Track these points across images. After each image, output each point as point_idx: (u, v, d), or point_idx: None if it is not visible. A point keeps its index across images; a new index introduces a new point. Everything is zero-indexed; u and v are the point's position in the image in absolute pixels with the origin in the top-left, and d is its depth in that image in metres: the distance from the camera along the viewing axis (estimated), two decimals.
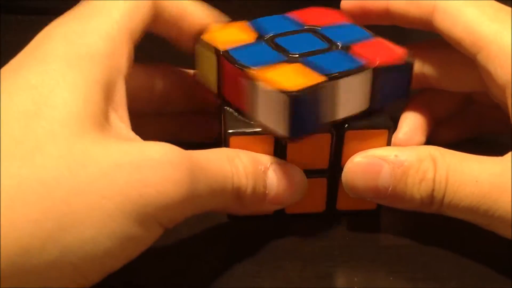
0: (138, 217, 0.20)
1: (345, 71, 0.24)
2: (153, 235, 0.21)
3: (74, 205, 0.19)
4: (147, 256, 0.22)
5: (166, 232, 0.22)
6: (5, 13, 0.48)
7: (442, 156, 0.24)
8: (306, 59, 0.25)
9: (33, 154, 0.19)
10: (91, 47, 0.22)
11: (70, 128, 0.20)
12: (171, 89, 0.29)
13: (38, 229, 0.19)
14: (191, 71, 0.30)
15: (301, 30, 0.28)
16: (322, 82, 0.24)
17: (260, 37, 0.27)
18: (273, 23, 0.28)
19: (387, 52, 0.26)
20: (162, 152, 0.21)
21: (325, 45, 0.26)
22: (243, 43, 0.26)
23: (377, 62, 0.25)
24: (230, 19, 0.28)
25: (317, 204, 0.28)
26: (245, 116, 0.25)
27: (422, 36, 0.29)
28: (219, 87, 0.26)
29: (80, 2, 0.25)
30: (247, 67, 0.24)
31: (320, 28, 0.28)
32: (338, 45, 0.26)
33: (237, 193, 0.24)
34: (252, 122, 0.25)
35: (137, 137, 0.22)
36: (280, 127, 0.24)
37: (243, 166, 0.24)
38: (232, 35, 0.27)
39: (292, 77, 0.24)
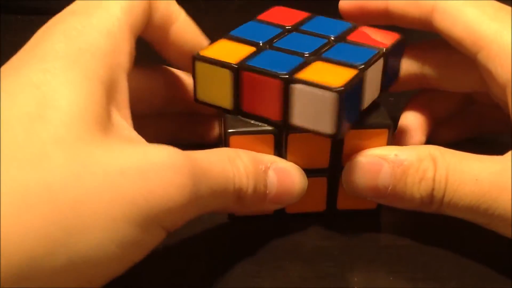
0: (142, 222, 0.20)
1: (368, 60, 0.25)
2: (157, 239, 0.21)
3: (80, 212, 0.19)
4: (147, 256, 0.22)
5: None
6: (5, 13, 0.48)
7: (442, 155, 0.24)
8: (321, 56, 0.25)
9: (39, 160, 0.19)
10: (92, 44, 0.22)
11: (75, 131, 0.20)
12: (171, 91, 0.29)
13: (45, 237, 0.18)
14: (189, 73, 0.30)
15: (285, 31, 0.27)
16: (356, 75, 0.24)
17: (259, 46, 0.26)
18: (254, 30, 0.27)
19: (381, 35, 0.27)
20: (165, 156, 0.21)
21: (324, 41, 0.27)
22: (248, 55, 0.25)
23: (385, 45, 0.26)
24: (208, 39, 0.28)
25: (318, 204, 0.28)
26: (272, 124, 0.25)
27: (422, 36, 0.29)
28: (236, 102, 0.26)
29: None
30: (278, 73, 0.24)
31: (300, 27, 0.28)
32: (334, 38, 0.27)
33: (238, 194, 0.24)
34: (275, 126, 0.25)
35: (139, 136, 0.22)
36: (324, 126, 0.24)
37: (244, 166, 0.24)
38: (229, 49, 0.26)
39: (325, 75, 0.24)
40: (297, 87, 0.24)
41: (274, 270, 0.26)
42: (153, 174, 0.20)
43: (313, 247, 0.27)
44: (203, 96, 0.26)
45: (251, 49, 0.26)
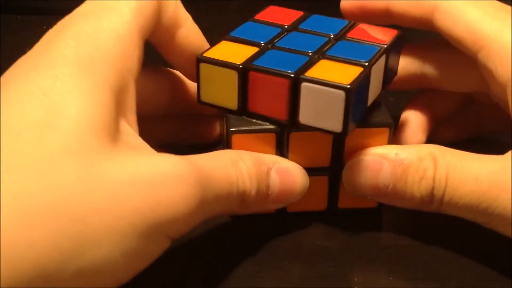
0: (149, 232, 0.20)
1: (372, 57, 0.25)
2: (161, 247, 0.22)
3: (89, 224, 0.19)
4: None
5: None
6: (5, 13, 0.48)
7: (442, 154, 0.24)
8: (326, 55, 0.25)
9: (49, 171, 0.19)
10: (102, 49, 0.22)
11: (84, 141, 0.20)
12: (175, 93, 0.29)
13: (55, 250, 0.18)
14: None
15: (285, 30, 0.28)
16: (362, 72, 0.24)
17: (261, 46, 0.26)
18: (253, 31, 0.27)
19: (380, 31, 0.27)
20: (172, 166, 0.21)
21: (324, 39, 0.27)
22: (252, 55, 0.25)
23: (385, 41, 0.26)
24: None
25: (319, 202, 0.28)
26: (278, 123, 0.25)
27: (423, 36, 0.29)
28: (241, 102, 0.25)
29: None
30: (286, 72, 0.24)
31: (299, 26, 0.28)
32: (334, 36, 0.27)
33: (242, 197, 0.24)
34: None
35: (144, 143, 0.22)
36: (332, 124, 0.24)
37: (246, 169, 0.24)
38: (232, 50, 0.26)
39: (332, 73, 0.24)
40: (306, 85, 0.24)
41: (274, 270, 0.26)
42: (161, 185, 0.20)
43: (313, 247, 0.27)
44: (207, 97, 0.26)
45: (254, 49, 0.26)
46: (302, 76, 0.24)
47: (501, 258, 0.26)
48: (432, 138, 0.30)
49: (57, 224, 0.18)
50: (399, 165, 0.25)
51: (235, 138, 0.25)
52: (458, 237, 0.27)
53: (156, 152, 0.22)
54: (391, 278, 0.25)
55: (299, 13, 0.29)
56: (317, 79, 0.23)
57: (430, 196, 0.24)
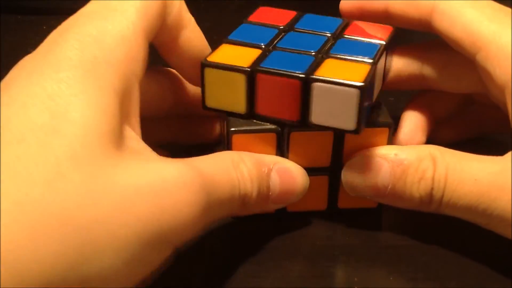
0: (153, 241, 0.20)
1: (375, 54, 0.25)
2: (164, 255, 0.22)
3: (94, 234, 0.19)
4: None
5: None
6: (5, 13, 0.48)
7: (442, 155, 0.24)
8: (330, 54, 0.25)
9: (54, 179, 0.18)
10: (107, 52, 0.21)
11: (89, 147, 0.19)
12: (177, 94, 0.29)
13: (60, 261, 0.18)
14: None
15: (281, 31, 0.27)
16: (371, 70, 0.24)
17: (263, 48, 0.26)
18: (250, 33, 0.27)
19: (375, 28, 0.27)
20: (177, 173, 0.21)
21: (323, 38, 0.27)
22: (256, 57, 0.25)
23: (383, 38, 0.27)
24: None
25: (319, 202, 0.28)
26: (288, 124, 0.25)
27: (422, 36, 0.30)
28: (249, 105, 0.25)
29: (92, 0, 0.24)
30: (296, 73, 0.24)
31: (295, 26, 0.28)
32: (332, 35, 0.27)
33: (243, 199, 0.24)
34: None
35: (147, 148, 0.22)
36: (346, 122, 0.24)
37: (247, 171, 0.24)
38: (235, 53, 0.26)
39: (341, 72, 0.24)
40: (318, 85, 0.24)
41: (274, 270, 0.26)
42: (165, 192, 0.20)
43: (313, 247, 0.27)
44: (212, 102, 0.26)
45: (257, 51, 0.26)
46: (313, 76, 0.24)
47: (501, 258, 0.26)
48: (432, 138, 0.31)
49: (62, 233, 0.18)
50: (398, 165, 0.25)
51: (235, 138, 0.25)
52: (458, 237, 0.27)
53: (159, 156, 0.22)
54: (391, 278, 0.25)
55: (292, 13, 0.29)
56: (329, 79, 0.24)
57: (429, 197, 0.24)
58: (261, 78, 0.24)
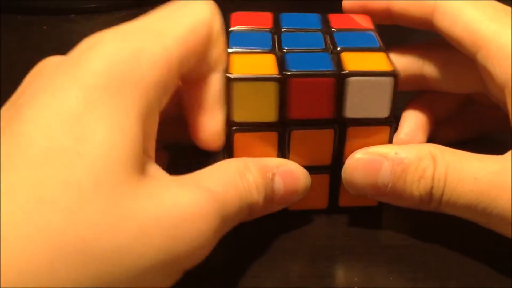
0: (168, 269, 0.20)
1: (379, 42, 0.26)
2: (176, 279, 0.22)
3: (113, 264, 0.19)
4: None
5: None
6: (5, 13, 0.48)
7: (442, 154, 0.24)
8: (342, 48, 0.26)
9: (77, 206, 0.18)
10: (137, 74, 0.21)
11: (112, 174, 0.19)
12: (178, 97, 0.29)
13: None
14: None
15: (273, 33, 0.27)
16: (388, 56, 0.25)
17: (274, 53, 0.26)
18: (246, 40, 0.27)
19: (357, 18, 0.28)
20: (193, 202, 0.21)
21: (318, 34, 0.27)
22: (275, 63, 0.25)
23: (370, 26, 0.28)
24: None
25: (320, 201, 0.28)
26: (322, 123, 0.25)
27: (422, 36, 0.30)
28: (281, 112, 0.25)
29: (141, 16, 0.23)
30: (328, 72, 0.24)
31: (282, 26, 0.28)
32: (324, 30, 0.27)
33: (251, 208, 0.24)
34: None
35: (160, 170, 0.22)
36: (379, 111, 0.25)
37: (254, 179, 0.24)
38: (251, 63, 0.25)
39: (366, 63, 0.25)
40: (352, 80, 0.24)
41: (274, 270, 0.26)
42: (183, 223, 0.20)
43: (313, 247, 0.27)
44: (242, 116, 0.25)
45: (270, 56, 0.25)
46: (346, 72, 0.24)
47: (501, 258, 0.26)
48: (432, 138, 0.30)
49: (81, 262, 0.18)
50: (398, 164, 0.25)
51: (237, 137, 0.25)
52: (458, 236, 0.27)
53: (173, 180, 0.22)
54: (391, 278, 0.25)
55: (267, 14, 0.29)
56: (362, 71, 0.24)
57: (429, 196, 0.24)
58: (293, 83, 0.24)
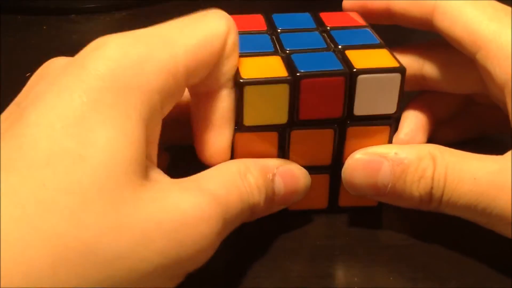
0: (171, 275, 0.21)
1: (377, 38, 0.27)
2: (178, 282, 0.22)
3: (113, 268, 0.19)
4: None
5: None
6: (5, 13, 0.48)
7: (441, 154, 0.25)
8: (343, 46, 0.26)
9: (79, 210, 0.18)
10: (143, 79, 0.21)
11: (115, 178, 0.19)
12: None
13: None
14: None
15: (271, 35, 0.27)
16: (391, 52, 0.25)
17: (278, 55, 0.26)
18: (247, 43, 0.26)
19: (349, 16, 0.29)
20: (195, 206, 0.21)
21: (316, 33, 0.27)
22: (283, 65, 0.25)
23: (363, 23, 0.28)
24: None
25: (320, 201, 0.28)
26: (331, 122, 0.26)
27: (422, 36, 0.30)
28: (292, 113, 0.25)
29: (157, 25, 0.23)
30: (338, 71, 0.24)
31: (277, 27, 0.28)
32: (320, 29, 0.28)
33: (252, 209, 0.24)
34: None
35: (162, 174, 0.22)
36: (387, 107, 0.25)
37: (255, 181, 0.24)
38: (258, 65, 0.25)
39: (373, 60, 0.25)
40: (362, 77, 0.24)
41: (274, 270, 0.26)
42: (185, 227, 0.20)
43: (313, 247, 0.27)
44: (252, 120, 0.25)
45: (276, 58, 0.25)
46: (355, 70, 0.24)
47: (501, 258, 0.26)
48: (432, 138, 0.30)
49: (81, 267, 0.18)
50: (398, 164, 0.25)
51: (238, 137, 0.25)
52: (458, 236, 0.27)
53: (175, 184, 0.22)
54: (391, 278, 0.25)
55: (259, 16, 0.29)
56: (371, 69, 0.24)
57: (429, 196, 0.24)
58: (305, 83, 0.24)
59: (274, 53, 0.26)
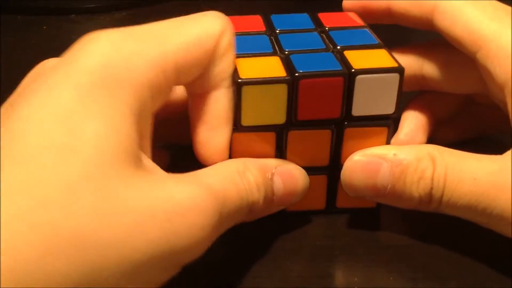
0: (164, 264, 0.20)
1: (376, 38, 0.27)
2: (172, 274, 0.22)
3: (105, 257, 0.19)
4: None
5: None
6: (5, 13, 0.48)
7: (441, 154, 0.24)
8: (342, 47, 0.26)
9: (69, 201, 0.18)
10: (131, 74, 0.21)
11: (104, 169, 0.19)
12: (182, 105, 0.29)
13: (67, 281, 0.18)
14: None
15: (270, 35, 0.27)
16: (390, 52, 0.25)
17: (277, 55, 0.26)
18: (245, 44, 0.26)
19: (347, 16, 0.29)
20: (190, 196, 0.21)
21: (315, 34, 0.27)
22: (282, 65, 0.25)
23: (361, 23, 0.28)
24: None
25: (317, 202, 0.28)
26: (329, 123, 0.26)
27: (422, 36, 0.30)
28: (290, 114, 0.25)
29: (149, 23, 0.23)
30: (337, 71, 0.24)
31: (276, 28, 0.28)
32: (319, 29, 0.28)
33: (251, 208, 0.24)
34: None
35: (156, 166, 0.22)
36: (386, 108, 0.25)
37: (254, 179, 0.24)
38: (257, 66, 0.25)
39: (371, 60, 0.25)
40: (361, 77, 0.24)
41: (274, 270, 0.26)
42: (178, 217, 0.20)
43: (313, 247, 0.27)
44: (250, 120, 0.25)
45: (275, 59, 0.25)
46: (354, 70, 0.24)
47: (501, 258, 0.26)
48: (432, 138, 0.30)
49: (72, 257, 0.18)
50: (397, 165, 0.25)
51: (236, 137, 0.25)
52: (458, 237, 0.27)
53: (170, 175, 0.22)
54: (391, 278, 0.25)
55: (257, 17, 0.29)
56: (370, 69, 0.24)
57: (429, 196, 0.24)
58: (303, 83, 0.24)
59: (273, 53, 0.26)
